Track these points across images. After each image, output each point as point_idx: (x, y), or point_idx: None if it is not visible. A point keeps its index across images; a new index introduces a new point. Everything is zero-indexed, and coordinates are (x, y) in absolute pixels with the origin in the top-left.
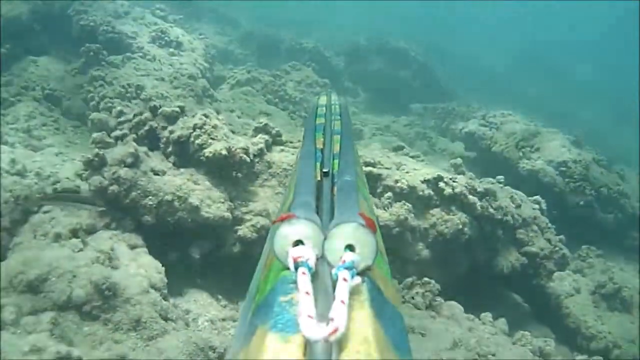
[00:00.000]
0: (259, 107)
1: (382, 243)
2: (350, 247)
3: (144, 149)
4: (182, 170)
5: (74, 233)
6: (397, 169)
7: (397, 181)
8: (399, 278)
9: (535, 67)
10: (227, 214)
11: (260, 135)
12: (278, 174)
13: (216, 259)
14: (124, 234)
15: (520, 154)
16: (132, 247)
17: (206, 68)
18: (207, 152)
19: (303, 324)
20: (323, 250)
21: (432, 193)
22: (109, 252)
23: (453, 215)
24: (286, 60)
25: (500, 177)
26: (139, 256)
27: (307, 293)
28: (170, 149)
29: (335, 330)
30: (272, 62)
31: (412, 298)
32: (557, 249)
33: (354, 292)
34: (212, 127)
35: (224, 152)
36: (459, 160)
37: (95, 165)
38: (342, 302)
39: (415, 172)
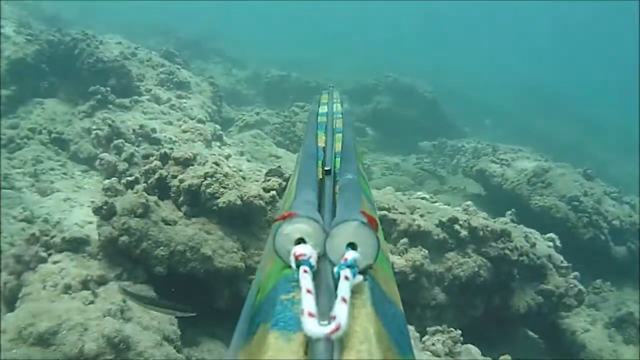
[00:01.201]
0: (268, 150)
1: (384, 242)
2: (352, 246)
3: (154, 198)
4: (193, 219)
5: (85, 284)
6: (412, 213)
7: (411, 226)
8: (418, 325)
9: (538, 99)
10: (240, 264)
11: (273, 179)
12: None
13: (231, 307)
14: (136, 285)
15: (532, 190)
16: None
17: (214, 110)
18: (221, 202)
19: (305, 322)
20: (325, 248)
21: (447, 236)
22: (121, 304)
23: (469, 258)
24: (294, 99)
25: (510, 212)
26: None
27: (308, 291)
28: (181, 198)
29: (337, 329)
30: (280, 101)
31: (433, 344)
32: (572, 285)
33: (355, 290)
34: (224, 175)
35: (239, 202)
36: (469, 203)
37: (104, 214)
38: (344, 300)
39: (429, 215)
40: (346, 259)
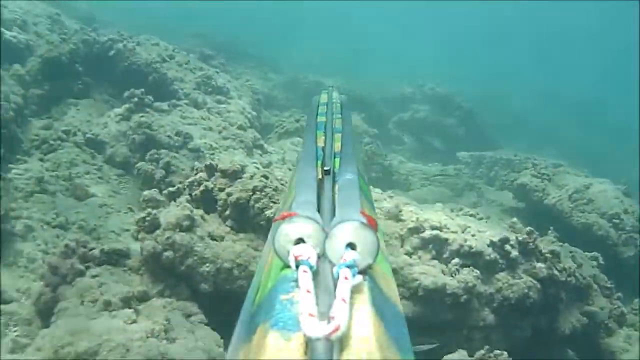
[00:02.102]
0: None
1: (384, 241)
2: (351, 246)
3: (200, 212)
4: (241, 235)
5: (126, 302)
6: (462, 232)
7: (462, 246)
8: (467, 346)
9: (563, 106)
10: None
11: None
12: None
13: None
14: (179, 302)
15: (574, 206)
16: (188, 315)
17: (254, 116)
18: (270, 214)
19: (304, 322)
20: (324, 248)
21: (497, 257)
22: (164, 323)
23: (518, 279)
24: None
25: (551, 230)
26: (197, 327)
27: (308, 291)
28: (227, 212)
29: (337, 329)
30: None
31: None
32: (616, 307)
33: (355, 290)
34: (273, 189)
35: None
36: (515, 220)
37: (147, 228)
38: (344, 300)
39: (480, 234)
40: (345, 259)
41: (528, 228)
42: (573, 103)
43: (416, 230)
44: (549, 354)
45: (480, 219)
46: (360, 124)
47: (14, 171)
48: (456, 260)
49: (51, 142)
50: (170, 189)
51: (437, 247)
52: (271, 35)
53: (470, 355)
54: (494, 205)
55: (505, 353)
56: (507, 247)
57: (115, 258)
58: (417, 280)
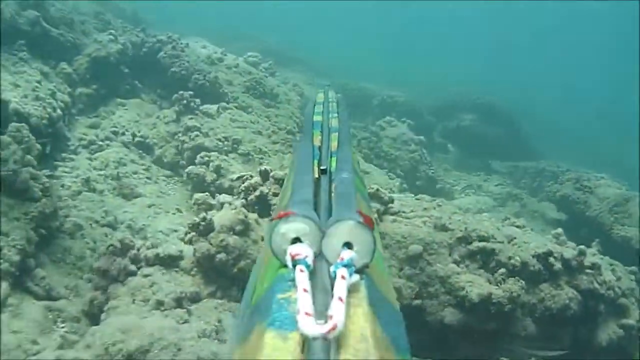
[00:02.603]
0: None
1: (380, 241)
2: (348, 245)
3: (255, 216)
4: None
5: (178, 302)
6: (509, 242)
7: (511, 258)
8: (506, 355)
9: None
10: None
11: (372, 203)
12: (391, 245)
13: None
14: (230, 303)
15: (614, 219)
16: None
17: (302, 121)
18: None
19: (301, 322)
20: (321, 247)
21: (541, 268)
22: (216, 324)
23: (561, 290)
24: (378, 113)
25: (595, 243)
26: None
27: (305, 290)
28: None
29: (334, 328)
30: (363, 115)
31: None
32: None
33: (352, 290)
34: None
35: None
36: (560, 230)
37: (201, 230)
38: (341, 299)
39: (525, 245)
40: (342, 258)
41: (579, 247)
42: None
43: (464, 239)
44: None
45: (525, 230)
46: (406, 131)
47: (60, 169)
48: (502, 270)
49: (99, 141)
50: (226, 196)
51: (484, 256)
52: (316, 39)
53: None
54: (536, 216)
55: None
56: (551, 259)
57: (168, 259)
58: (463, 288)
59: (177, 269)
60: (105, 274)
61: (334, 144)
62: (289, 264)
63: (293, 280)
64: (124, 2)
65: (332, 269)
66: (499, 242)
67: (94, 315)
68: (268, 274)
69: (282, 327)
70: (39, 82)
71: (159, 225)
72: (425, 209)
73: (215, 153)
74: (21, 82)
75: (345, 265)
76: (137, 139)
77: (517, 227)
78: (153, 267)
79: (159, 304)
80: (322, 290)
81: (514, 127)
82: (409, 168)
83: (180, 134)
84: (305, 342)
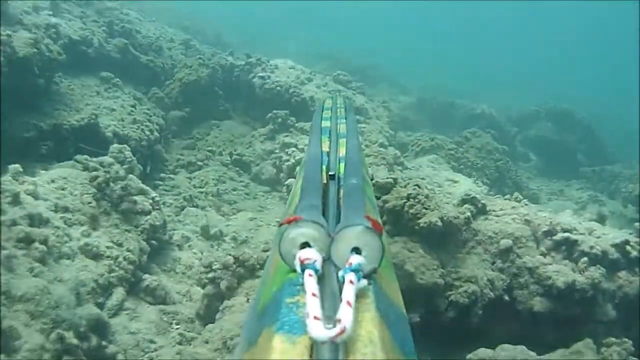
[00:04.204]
0: (444, 175)
1: (388, 246)
2: (356, 250)
3: None
4: (396, 238)
5: None
6: (590, 234)
7: (592, 247)
8: (593, 339)
9: None
10: (440, 280)
11: (466, 206)
12: (484, 241)
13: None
14: None
15: None
16: None
17: (392, 135)
18: (422, 222)
19: (310, 326)
20: (329, 252)
21: (619, 256)
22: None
23: (637, 276)
24: (460, 125)
25: None
26: None
27: (313, 295)
28: (384, 218)
29: (342, 332)
30: (446, 128)
31: (610, 355)
32: None
33: (360, 294)
34: (425, 197)
35: (439, 222)
36: (638, 224)
37: None
38: (349, 304)
39: (604, 236)
40: (351, 263)
41: None
42: None
43: (550, 233)
44: None
45: (605, 225)
46: (490, 140)
47: (161, 187)
48: (585, 259)
49: (197, 161)
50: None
51: (568, 247)
52: (399, 59)
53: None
54: (616, 217)
55: (630, 342)
56: (628, 247)
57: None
58: (550, 278)
59: None
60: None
61: (342, 150)
62: (298, 268)
63: (302, 284)
64: (206, 26)
65: (340, 273)
66: (581, 233)
67: (206, 318)
68: (277, 278)
69: (290, 331)
70: (133, 106)
71: (261, 238)
72: (513, 207)
73: None
74: (116, 106)
75: (353, 270)
76: (234, 157)
77: (597, 221)
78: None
79: None
80: (330, 295)
81: (590, 133)
82: (495, 177)
83: (277, 150)
84: (314, 346)
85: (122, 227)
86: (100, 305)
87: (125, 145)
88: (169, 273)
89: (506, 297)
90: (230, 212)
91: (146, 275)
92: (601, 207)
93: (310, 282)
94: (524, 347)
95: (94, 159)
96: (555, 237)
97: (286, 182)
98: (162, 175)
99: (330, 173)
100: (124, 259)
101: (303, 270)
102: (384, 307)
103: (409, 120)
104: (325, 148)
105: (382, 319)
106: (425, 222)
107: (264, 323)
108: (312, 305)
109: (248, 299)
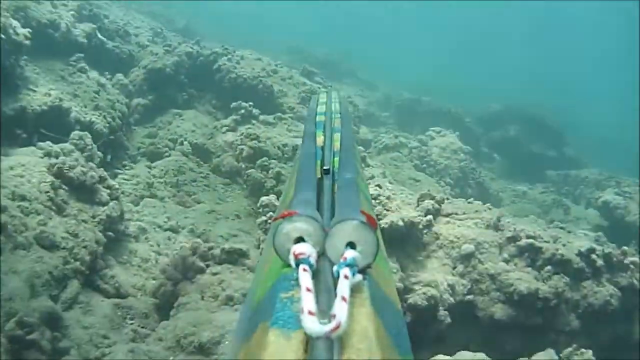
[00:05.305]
0: (407, 173)
1: (383, 241)
2: (351, 245)
3: None
4: None
5: None
6: (554, 242)
7: (554, 255)
8: (554, 348)
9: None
10: (399, 284)
11: (427, 201)
12: (445, 245)
13: None
14: None
15: None
16: None
17: (355, 131)
18: (383, 223)
19: (304, 321)
20: (324, 247)
21: (584, 265)
22: None
23: (602, 287)
24: (424, 122)
25: (633, 244)
26: None
27: (308, 290)
28: None
29: (337, 327)
30: (411, 124)
31: None
32: None
33: (355, 289)
34: (386, 198)
35: (401, 223)
36: (601, 234)
37: (268, 229)
38: (344, 299)
39: (570, 244)
40: (345, 258)
41: (623, 248)
42: None
43: (513, 239)
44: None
45: (569, 232)
46: (455, 140)
47: (120, 176)
48: (548, 267)
49: (158, 150)
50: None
51: (531, 255)
52: (368, 54)
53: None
54: (580, 222)
55: (590, 351)
56: (594, 256)
57: (235, 257)
58: (512, 285)
59: (243, 267)
60: (177, 268)
61: (336, 144)
62: (292, 263)
63: (296, 279)
64: (176, 15)
65: (335, 268)
66: (545, 241)
67: (162, 311)
68: (271, 273)
69: (285, 326)
70: (97, 92)
71: (219, 231)
72: (476, 211)
73: (275, 161)
74: (80, 92)
75: (348, 265)
76: (195, 147)
77: (562, 229)
78: (221, 265)
79: (229, 299)
80: (325, 290)
81: (557, 136)
82: (458, 177)
83: (238, 142)
84: (309, 341)
85: (79, 217)
86: (55, 298)
87: (87, 133)
88: (125, 265)
89: (467, 303)
90: (190, 203)
91: (101, 268)
92: (566, 214)
93: (305, 277)
94: (484, 355)
95: (55, 146)
96: (519, 243)
97: (247, 172)
98: (124, 163)
99: (324, 167)
100: (80, 250)
101: (297, 265)
102: (379, 302)
103: (374, 117)
104: (320, 142)
105: (377, 315)
106: (387, 223)
107: (258, 318)
108: (307, 300)
109: (203, 297)
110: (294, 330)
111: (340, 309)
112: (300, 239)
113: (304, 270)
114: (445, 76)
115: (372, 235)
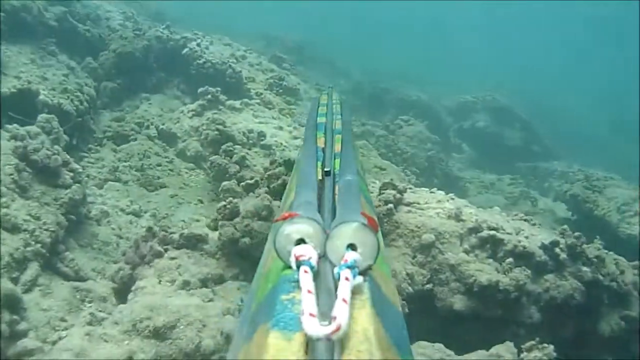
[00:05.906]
0: (373, 162)
1: (383, 243)
2: (352, 247)
3: (278, 202)
4: None
5: (204, 282)
6: (517, 234)
7: (516, 247)
8: (513, 341)
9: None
10: None
11: (388, 191)
12: (405, 234)
13: None
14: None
15: (621, 218)
16: None
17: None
18: None
19: (305, 322)
20: (325, 249)
21: (547, 258)
22: (239, 303)
23: (565, 280)
24: (394, 111)
25: (597, 238)
26: None
27: (309, 291)
28: None
29: (337, 329)
30: (381, 113)
31: None
32: None
33: (355, 291)
34: None
35: None
36: (565, 227)
37: (227, 215)
38: (344, 300)
39: (533, 237)
40: (346, 260)
41: (576, 233)
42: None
43: (475, 230)
44: (589, 354)
45: (534, 224)
46: (423, 129)
47: (86, 159)
48: (510, 259)
49: (124, 133)
50: (249, 181)
51: (493, 246)
52: (340, 41)
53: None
54: (547, 215)
55: (552, 346)
56: (557, 250)
57: (194, 242)
58: (472, 276)
59: (202, 252)
60: (136, 252)
61: (337, 146)
62: (293, 265)
63: (297, 281)
64: (148, 1)
65: (336, 270)
66: (508, 233)
67: (120, 295)
68: (272, 275)
69: (286, 327)
70: (65, 76)
71: (181, 215)
72: (439, 201)
73: (239, 146)
74: (49, 75)
75: (349, 267)
76: (160, 131)
77: (526, 221)
78: (179, 250)
79: (186, 284)
80: (326, 292)
81: (528, 128)
82: (425, 166)
83: (203, 127)
84: (309, 343)
85: (41, 200)
86: (15, 280)
87: (53, 116)
88: (86, 249)
89: (426, 293)
90: (153, 187)
91: (62, 251)
92: (533, 206)
93: (306, 279)
94: (441, 345)
95: (22, 129)
96: (480, 234)
97: (211, 158)
98: (90, 146)
99: (325, 169)
100: (41, 232)
101: (298, 267)
102: (380, 304)
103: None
104: (321, 144)
105: (378, 316)
106: None
107: (259, 320)
108: (308, 302)
109: (160, 281)
110: (295, 332)
111: (340, 311)
112: (301, 241)
113: (305, 272)
114: (421, 66)
115: (373, 237)
